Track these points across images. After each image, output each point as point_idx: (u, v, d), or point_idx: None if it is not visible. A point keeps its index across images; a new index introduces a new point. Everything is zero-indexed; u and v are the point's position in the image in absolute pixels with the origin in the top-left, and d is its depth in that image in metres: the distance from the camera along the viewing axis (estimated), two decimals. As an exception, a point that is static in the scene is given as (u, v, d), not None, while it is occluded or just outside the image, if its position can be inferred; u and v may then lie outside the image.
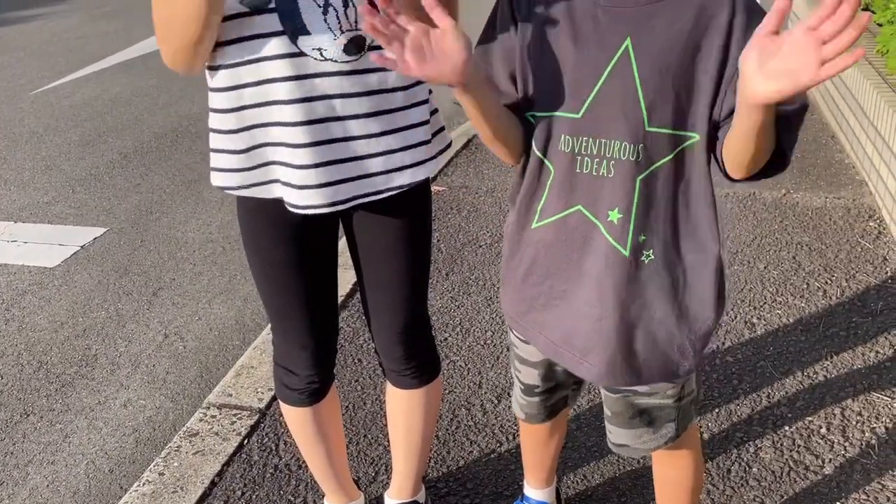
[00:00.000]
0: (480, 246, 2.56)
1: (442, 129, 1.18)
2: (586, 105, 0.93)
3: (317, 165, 1.04)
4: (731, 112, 0.89)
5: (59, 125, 4.30)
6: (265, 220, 1.13)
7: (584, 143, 0.95)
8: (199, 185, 3.38)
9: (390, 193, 1.10)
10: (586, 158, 0.95)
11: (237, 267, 2.68)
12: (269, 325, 1.51)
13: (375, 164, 1.07)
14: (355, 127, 1.04)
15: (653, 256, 0.97)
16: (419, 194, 1.17)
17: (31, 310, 2.48)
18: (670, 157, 0.94)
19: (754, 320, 2.08)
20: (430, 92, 1.14)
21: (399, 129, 1.08)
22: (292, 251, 1.15)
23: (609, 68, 0.91)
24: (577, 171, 0.96)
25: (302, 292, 1.18)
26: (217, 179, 1.13)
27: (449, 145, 1.20)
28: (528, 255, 1.06)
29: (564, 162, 0.97)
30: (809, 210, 2.68)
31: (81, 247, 2.88)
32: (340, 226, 1.20)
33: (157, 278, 2.63)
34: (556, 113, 0.96)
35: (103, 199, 3.31)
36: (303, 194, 1.05)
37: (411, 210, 1.17)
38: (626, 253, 0.96)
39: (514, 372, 1.23)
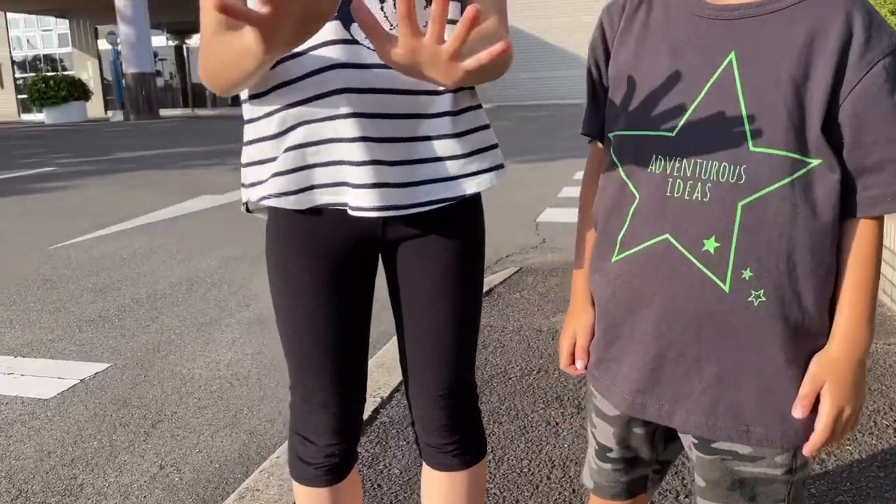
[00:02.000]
0: (510, 378, 2.38)
1: (496, 145, 1.08)
2: (682, 122, 0.85)
3: (367, 163, 0.93)
4: (855, 151, 0.81)
5: (73, 274, 4.27)
6: (298, 242, 1.01)
7: (677, 165, 0.85)
8: (211, 328, 3.26)
9: (445, 205, 0.99)
10: (678, 181, 0.85)
11: (244, 402, 2.48)
12: (288, 430, 1.31)
13: (428, 171, 0.97)
14: (408, 127, 0.95)
15: (764, 298, 0.83)
16: (472, 224, 1.05)
17: (17, 438, 2.26)
18: (784, 182, 0.81)
19: (823, 456, 1.86)
20: (480, 106, 1.07)
21: (453, 134, 0.99)
22: (325, 282, 1.01)
23: (710, 83, 0.84)
24: (668, 194, 0.86)
25: (330, 333, 1.03)
26: (250, 194, 1.02)
27: (502, 166, 1.08)
28: (606, 294, 0.93)
29: (652, 185, 0.87)
30: (859, 352, 2.52)
31: (81, 380, 2.70)
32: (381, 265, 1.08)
33: (157, 411, 2.43)
34: (648, 132, 0.88)
35: (110, 338, 3.17)
36: (357, 194, 0.94)
37: (463, 243, 1.04)
38: (726, 288, 0.83)
39: (589, 428, 1.05)
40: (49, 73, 23.79)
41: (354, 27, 0.92)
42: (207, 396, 2.54)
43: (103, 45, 27.41)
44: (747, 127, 0.82)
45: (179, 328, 3.27)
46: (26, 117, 27.70)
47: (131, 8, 19.31)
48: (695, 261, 0.85)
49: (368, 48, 0.92)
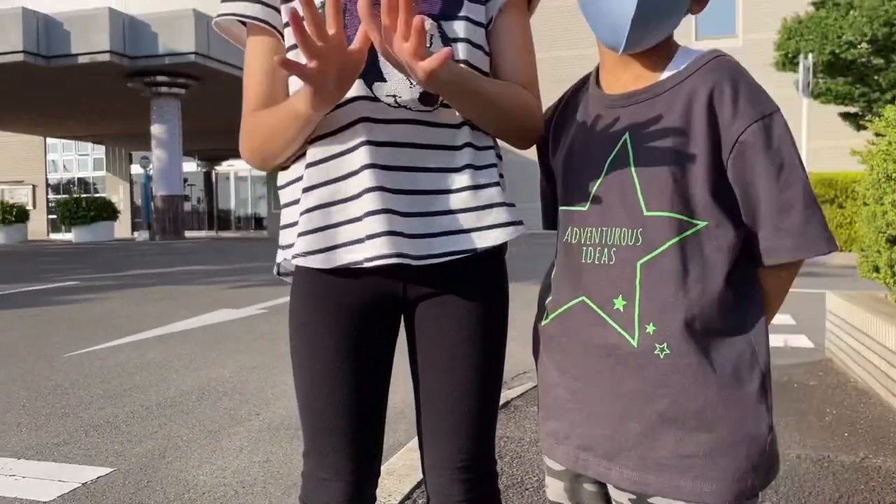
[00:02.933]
0: (527, 489, 2.27)
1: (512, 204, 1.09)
2: (590, 197, 0.98)
3: (380, 212, 0.95)
4: (741, 204, 0.91)
5: (85, 381, 4.23)
6: (320, 301, 1.01)
7: (588, 233, 0.97)
8: (220, 436, 3.18)
9: (462, 259, 0.99)
10: (590, 248, 0.97)
11: (250, 510, 2.38)
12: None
13: (443, 223, 0.99)
14: (424, 180, 0.98)
15: (669, 350, 0.90)
16: (494, 283, 1.04)
17: (10, 540, 2.16)
18: (674, 240, 0.91)
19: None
20: (500, 158, 1.10)
21: (468, 187, 1.01)
22: (344, 340, 1.01)
23: (608, 161, 0.96)
24: (582, 261, 0.97)
25: (346, 392, 1.01)
26: (283, 255, 1.04)
27: (521, 223, 1.10)
28: (543, 359, 1.01)
29: (570, 253, 0.99)
30: (895, 473, 2.40)
31: (83, 484, 2.61)
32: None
33: (159, 517, 2.33)
34: (568, 207, 1.01)
35: (116, 443, 3.10)
36: (372, 244, 0.94)
37: (484, 303, 1.03)
38: (635, 343, 0.91)
39: (546, 491, 1.08)
40: (81, 195, 24.70)
41: (376, 85, 0.97)
42: (211, 503, 2.44)
43: (135, 169, 28.61)
44: (640, 195, 0.93)
45: (187, 435, 3.20)
46: (54, 236, 28.50)
47: (166, 134, 20.28)
48: (608, 318, 0.93)
49: (389, 105, 0.97)
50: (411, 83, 0.98)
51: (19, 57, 17.86)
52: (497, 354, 1.05)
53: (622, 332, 0.91)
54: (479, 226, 1.01)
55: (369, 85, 0.98)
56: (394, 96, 0.97)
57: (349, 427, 1.00)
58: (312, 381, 1.01)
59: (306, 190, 1.00)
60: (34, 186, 30.02)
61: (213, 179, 29.81)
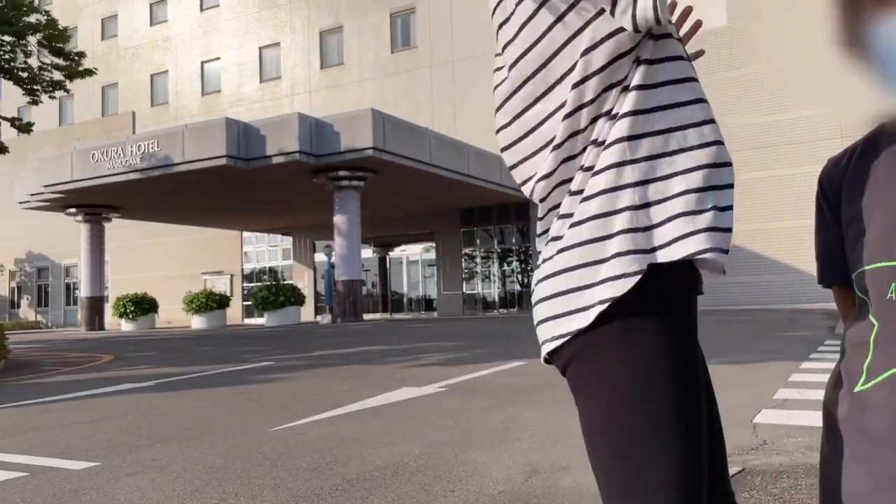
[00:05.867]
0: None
1: None
2: None
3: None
4: None
5: (290, 454, 4.51)
6: (679, 305, 0.96)
7: None
8: (419, 510, 3.24)
9: None
10: None
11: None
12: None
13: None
14: None
15: None
16: None
17: None
18: None
19: None
20: None
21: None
22: (699, 356, 0.99)
23: None
24: None
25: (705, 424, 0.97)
26: (588, 315, 0.97)
27: None
28: (852, 426, 0.90)
29: (893, 312, 0.90)
30: None
31: (299, 551, 2.76)
32: None
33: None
34: (886, 262, 0.93)
35: (324, 513, 3.25)
36: (698, 238, 0.96)
37: None
38: None
39: None
40: (273, 283, 26.89)
41: None
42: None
43: (318, 257, 30.77)
44: None
45: (388, 508, 3.29)
46: (248, 321, 31.03)
47: (347, 223, 21.76)
48: None
49: None
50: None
51: (222, 161, 20.13)
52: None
53: None
54: None
55: None
56: None
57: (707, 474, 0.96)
58: (696, 418, 0.94)
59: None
60: (231, 276, 33.09)
61: (387, 264, 31.34)
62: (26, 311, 38.35)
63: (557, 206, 0.99)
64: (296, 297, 24.95)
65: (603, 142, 0.95)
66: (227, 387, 7.93)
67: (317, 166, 20.88)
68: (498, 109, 1.03)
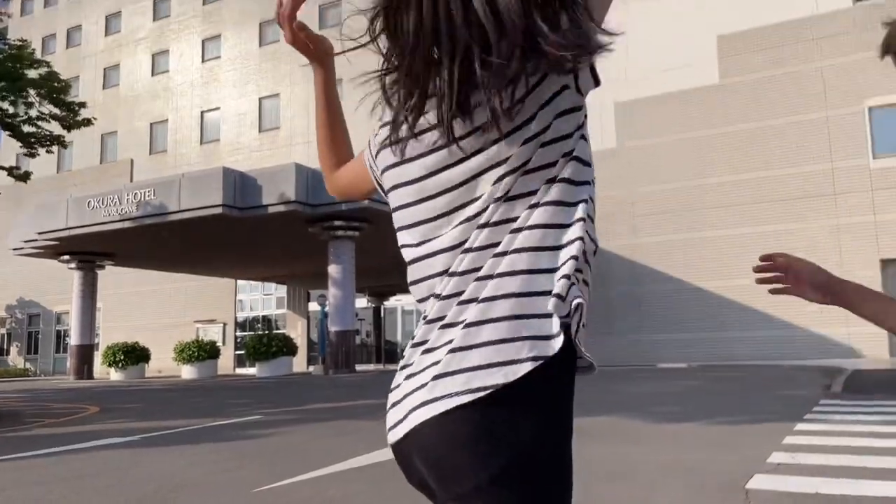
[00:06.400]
0: None
1: None
2: None
3: None
4: None
5: (271, 518, 4.37)
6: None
7: None
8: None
9: None
10: None
11: None
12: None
13: None
14: None
15: None
16: None
17: None
18: None
19: None
20: None
21: None
22: None
23: None
24: None
25: None
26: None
27: None
28: None
29: None
30: None
31: None
32: None
33: None
34: None
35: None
36: None
37: None
38: None
39: None
40: (264, 332, 26.68)
41: None
42: None
43: (312, 306, 30.62)
44: None
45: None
46: (240, 370, 30.68)
47: (341, 273, 21.72)
48: None
49: None
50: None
51: (218, 210, 20.19)
52: None
53: None
54: None
55: None
56: None
57: None
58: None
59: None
60: (224, 324, 32.85)
61: (382, 314, 31.18)
62: (15, 359, 37.92)
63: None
64: (288, 348, 24.73)
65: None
66: (212, 443, 7.77)
67: (312, 216, 20.94)
68: None
